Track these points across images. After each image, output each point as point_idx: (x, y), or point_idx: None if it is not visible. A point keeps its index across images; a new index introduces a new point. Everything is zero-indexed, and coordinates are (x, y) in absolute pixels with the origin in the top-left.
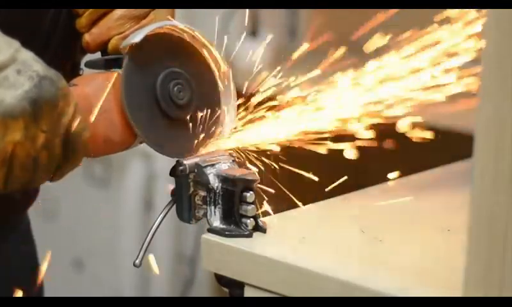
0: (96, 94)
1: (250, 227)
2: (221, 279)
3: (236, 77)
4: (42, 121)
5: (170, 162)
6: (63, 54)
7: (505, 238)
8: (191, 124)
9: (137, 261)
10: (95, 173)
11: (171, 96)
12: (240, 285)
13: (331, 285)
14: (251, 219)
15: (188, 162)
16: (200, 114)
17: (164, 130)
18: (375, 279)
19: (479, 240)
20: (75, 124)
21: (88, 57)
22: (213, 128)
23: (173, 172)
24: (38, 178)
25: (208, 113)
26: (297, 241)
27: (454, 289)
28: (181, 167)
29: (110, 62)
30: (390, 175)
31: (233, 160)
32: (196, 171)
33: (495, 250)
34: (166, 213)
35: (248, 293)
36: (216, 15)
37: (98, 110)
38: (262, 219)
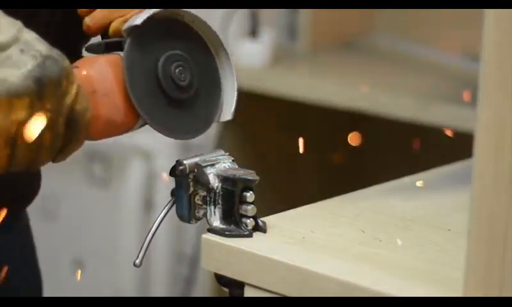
0: (98, 75)
1: (250, 227)
2: (221, 279)
3: (236, 77)
4: (46, 100)
5: (170, 161)
6: (64, 41)
7: (505, 238)
8: (192, 105)
9: (137, 261)
10: (95, 173)
11: (173, 77)
12: (240, 285)
13: (331, 285)
14: (251, 219)
15: (188, 161)
16: (201, 96)
17: (166, 111)
18: (375, 279)
19: (479, 240)
20: (78, 104)
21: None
22: (214, 111)
23: (173, 172)
24: (41, 159)
25: (209, 95)
26: (297, 241)
27: (454, 289)
28: (181, 167)
29: (111, 45)
30: (390, 175)
31: (233, 160)
32: (196, 170)
33: (495, 250)
34: (166, 213)
35: (248, 293)
36: (216, 15)
37: (100, 91)
38: (262, 219)
